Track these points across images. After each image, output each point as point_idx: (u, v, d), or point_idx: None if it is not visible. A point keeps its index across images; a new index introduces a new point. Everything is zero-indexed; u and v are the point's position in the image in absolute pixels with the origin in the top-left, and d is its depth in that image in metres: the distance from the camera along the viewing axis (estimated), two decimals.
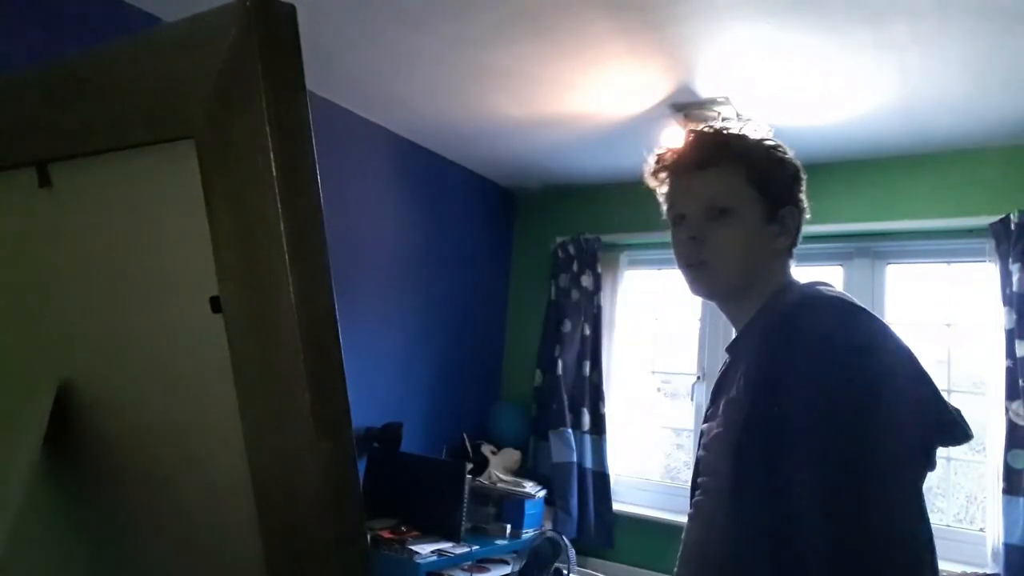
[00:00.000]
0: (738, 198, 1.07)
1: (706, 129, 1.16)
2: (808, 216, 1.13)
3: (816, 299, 0.99)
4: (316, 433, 0.45)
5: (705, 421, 1.17)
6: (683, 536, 1.10)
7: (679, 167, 1.13)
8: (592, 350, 3.72)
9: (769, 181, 1.08)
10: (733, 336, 1.17)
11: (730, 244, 1.06)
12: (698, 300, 3.58)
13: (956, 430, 0.91)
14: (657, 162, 1.18)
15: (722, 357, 1.18)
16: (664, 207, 1.19)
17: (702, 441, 1.13)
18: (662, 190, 1.18)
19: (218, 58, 0.46)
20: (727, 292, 1.11)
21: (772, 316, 1.03)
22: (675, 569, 1.09)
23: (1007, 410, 2.69)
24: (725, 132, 1.14)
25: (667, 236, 1.16)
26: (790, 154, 1.13)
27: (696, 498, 1.08)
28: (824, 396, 0.87)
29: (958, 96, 2.54)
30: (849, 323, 0.93)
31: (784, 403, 0.89)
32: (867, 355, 0.89)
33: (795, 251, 1.13)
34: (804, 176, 1.13)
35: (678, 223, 1.12)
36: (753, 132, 1.14)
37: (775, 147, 1.12)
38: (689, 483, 1.23)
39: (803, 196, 1.13)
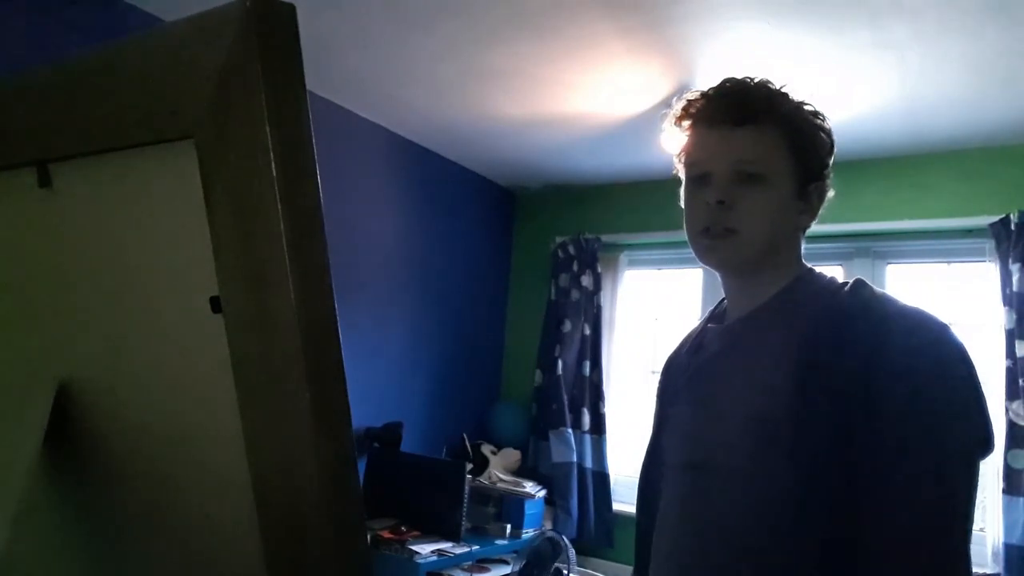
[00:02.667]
0: (774, 165, 0.96)
1: (747, 79, 1.01)
2: (831, 194, 1.04)
3: (913, 309, 0.92)
4: (316, 433, 0.45)
5: (673, 405, 1.09)
6: (680, 511, 1.02)
7: (712, 119, 0.99)
8: (592, 350, 3.72)
9: (808, 152, 0.99)
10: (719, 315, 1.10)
11: (760, 213, 0.96)
12: (698, 299, 3.58)
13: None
14: (685, 108, 1.03)
15: None
16: (680, 161, 1.06)
17: (689, 423, 1.04)
18: (680, 140, 1.05)
19: (218, 58, 0.46)
20: (746, 265, 1.00)
21: (824, 309, 0.94)
22: (673, 540, 1.02)
23: (1007, 410, 2.69)
24: (769, 86, 1.00)
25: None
26: (829, 124, 1.02)
27: (700, 480, 0.99)
28: (941, 399, 0.85)
29: (958, 96, 2.54)
30: (947, 332, 0.89)
31: (897, 404, 0.84)
32: (967, 363, 0.87)
33: None
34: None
35: (699, 183, 1.00)
36: (795, 93, 1.01)
37: (817, 113, 1.01)
38: (644, 468, 1.17)
39: (830, 174, 1.03)
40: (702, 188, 0.99)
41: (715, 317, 1.13)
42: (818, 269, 1.04)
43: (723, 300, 1.12)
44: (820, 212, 1.03)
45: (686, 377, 1.09)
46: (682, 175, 1.06)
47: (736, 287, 1.05)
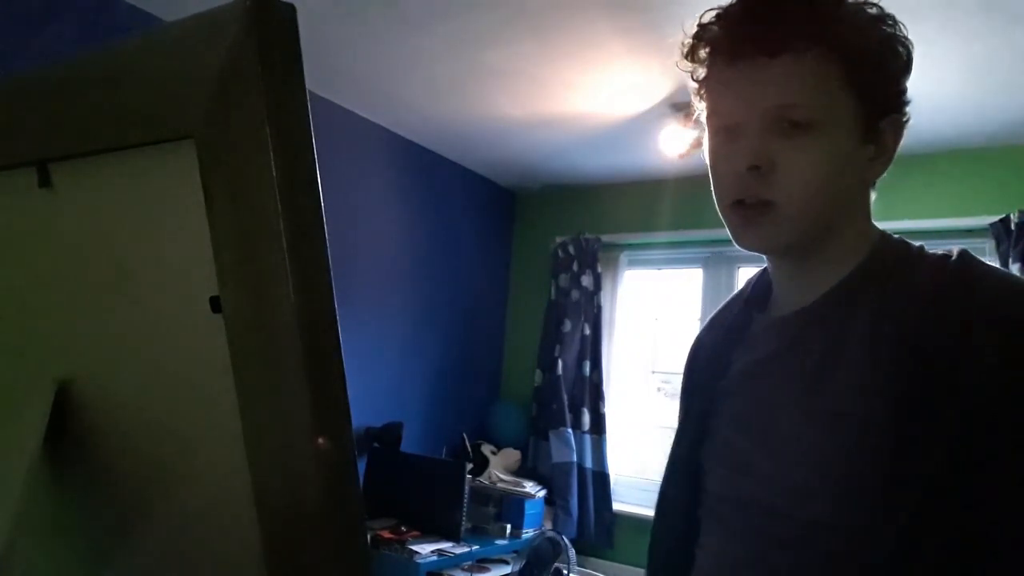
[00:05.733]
0: (826, 107, 0.70)
1: None
2: (909, 123, 0.75)
3: None
4: (316, 433, 0.45)
5: (709, 417, 0.84)
6: (727, 555, 0.79)
7: (736, 50, 0.73)
8: (592, 350, 3.72)
9: (876, 78, 0.71)
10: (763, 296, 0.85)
11: (808, 177, 0.70)
12: (698, 298, 3.58)
13: None
14: (699, 35, 0.77)
15: None
16: (699, 106, 0.80)
17: (735, 447, 0.80)
18: (699, 74, 0.78)
19: (218, 58, 0.46)
20: (796, 245, 0.76)
21: (925, 305, 0.69)
22: None
23: None
24: None
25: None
26: (903, 30, 0.73)
27: (758, 526, 0.75)
28: None
29: (958, 96, 2.54)
30: None
31: None
32: None
33: None
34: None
35: (727, 137, 0.75)
36: None
37: (884, 17, 0.72)
38: (665, 480, 0.94)
39: (909, 99, 0.75)
40: (730, 145, 0.74)
41: (758, 298, 0.86)
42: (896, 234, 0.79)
43: (765, 270, 0.86)
44: (896, 153, 0.76)
45: (727, 380, 0.84)
46: (704, 127, 0.79)
47: (788, 269, 0.80)
